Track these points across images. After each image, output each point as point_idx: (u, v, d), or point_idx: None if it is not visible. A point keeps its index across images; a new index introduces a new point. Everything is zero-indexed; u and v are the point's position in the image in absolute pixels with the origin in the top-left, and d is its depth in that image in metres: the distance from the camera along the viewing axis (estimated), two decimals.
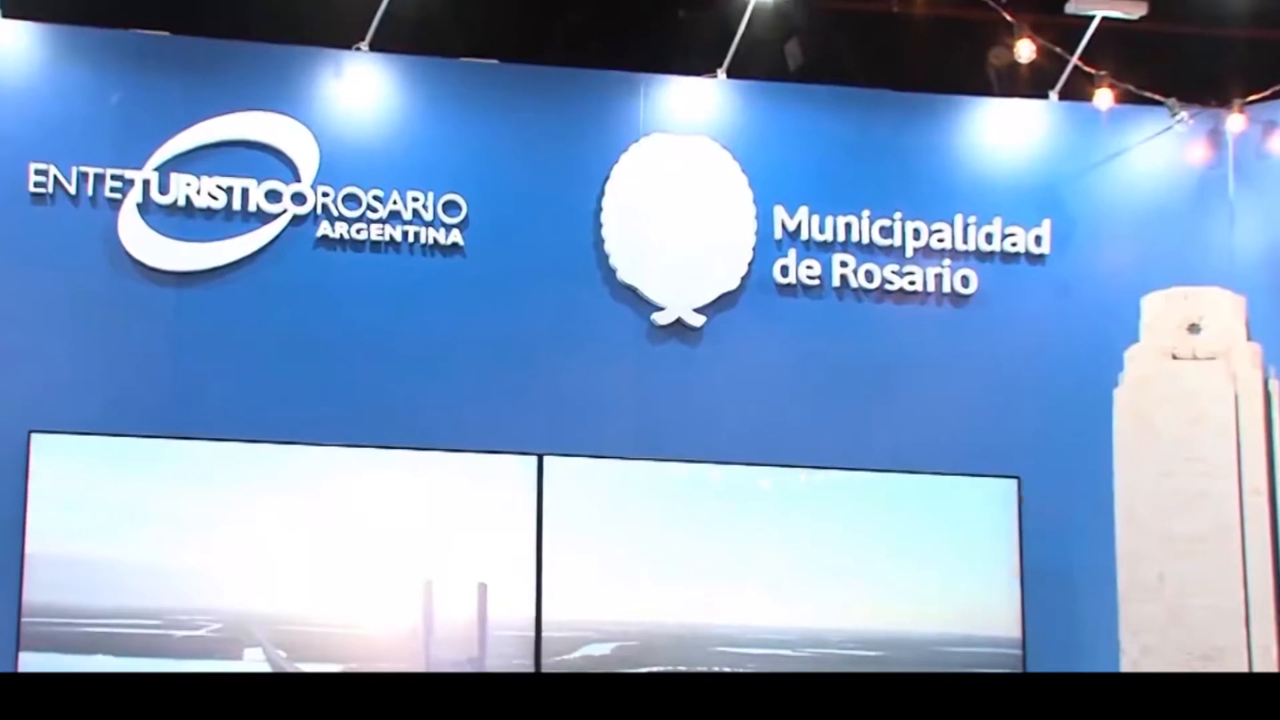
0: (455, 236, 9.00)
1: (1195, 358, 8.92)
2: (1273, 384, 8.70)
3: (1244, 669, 8.58)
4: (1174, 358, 8.95)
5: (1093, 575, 8.72)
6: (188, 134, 8.87)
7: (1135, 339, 8.79)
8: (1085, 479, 8.73)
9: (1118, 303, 8.91)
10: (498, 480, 8.56)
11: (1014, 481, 8.77)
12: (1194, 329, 8.99)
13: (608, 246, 9.11)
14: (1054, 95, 9.46)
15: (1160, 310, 9.01)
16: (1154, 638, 8.67)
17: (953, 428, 8.95)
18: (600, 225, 9.12)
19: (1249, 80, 9.39)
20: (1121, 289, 8.98)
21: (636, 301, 9.10)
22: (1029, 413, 9.03)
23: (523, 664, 8.43)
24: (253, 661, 8.29)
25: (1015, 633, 8.74)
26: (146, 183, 8.80)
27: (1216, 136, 9.45)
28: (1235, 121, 9.42)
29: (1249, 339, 8.89)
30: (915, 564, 8.77)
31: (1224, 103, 9.43)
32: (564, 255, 9.05)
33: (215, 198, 8.86)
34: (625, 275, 9.11)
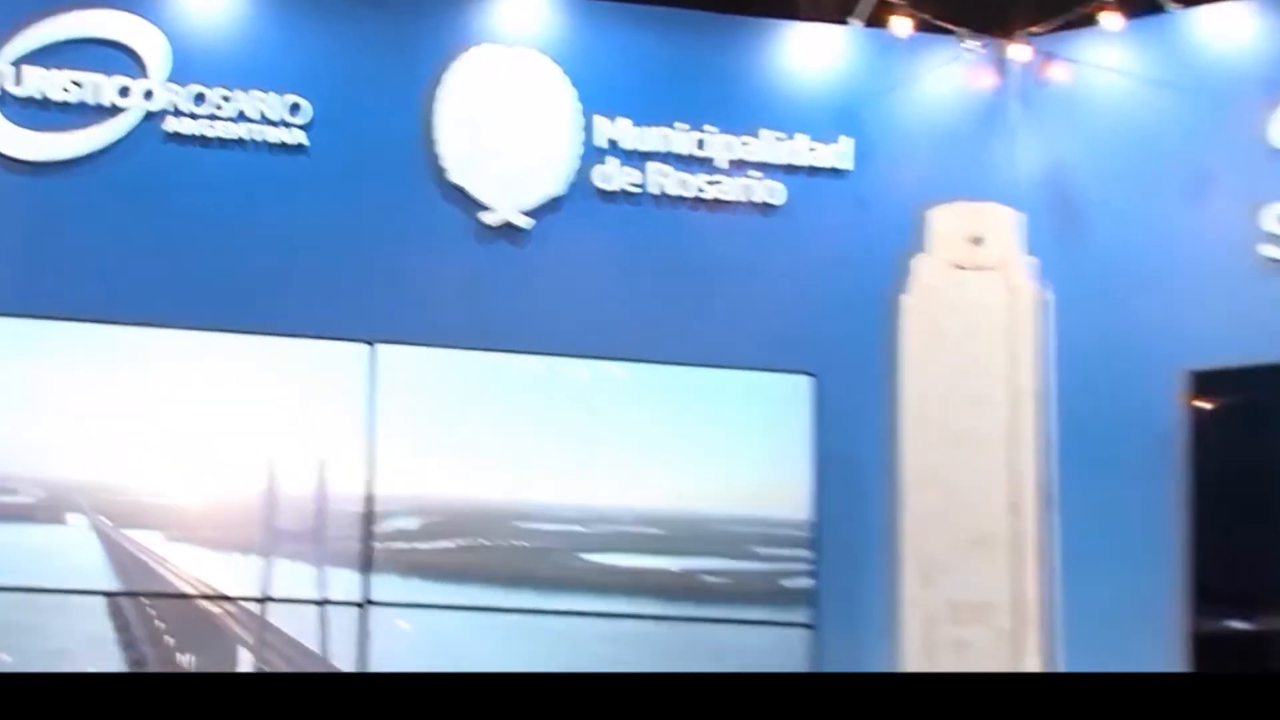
0: (299, 136, 9.53)
1: (977, 268, 9.79)
2: (1046, 295, 9.60)
3: (1009, 555, 9.52)
4: (958, 268, 9.82)
5: (879, 465, 9.57)
6: (40, 28, 9.28)
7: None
8: (877, 377, 9.56)
9: (911, 216, 9.72)
10: (334, 365, 9.15)
11: (811, 378, 9.55)
12: (976, 242, 9.86)
13: (439, 148, 9.70)
14: (856, 21, 10.17)
15: (946, 223, 9.86)
16: (933, 523, 9.58)
17: (758, 328, 9.69)
18: (433, 128, 9.70)
19: (1032, 14, 10.18)
20: (914, 204, 9.78)
21: (466, 202, 9.72)
22: (828, 315, 9.78)
23: (351, 536, 9.06)
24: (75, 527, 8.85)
25: (805, 515, 9.54)
26: (0, 74, 9.21)
27: (1002, 65, 10.24)
28: (1019, 52, 10.19)
29: (1026, 253, 9.77)
30: (718, 450, 9.54)
31: (1009, 34, 10.22)
32: (399, 156, 9.62)
33: (68, 91, 9.29)
34: (455, 176, 9.71)
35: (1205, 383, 9.52)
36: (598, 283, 9.69)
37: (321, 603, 9.03)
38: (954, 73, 10.20)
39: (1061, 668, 9.43)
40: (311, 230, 9.44)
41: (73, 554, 8.90)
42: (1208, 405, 9.51)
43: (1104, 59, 10.06)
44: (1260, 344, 9.39)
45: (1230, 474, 9.50)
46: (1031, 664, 9.48)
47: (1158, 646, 9.32)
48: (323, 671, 8.73)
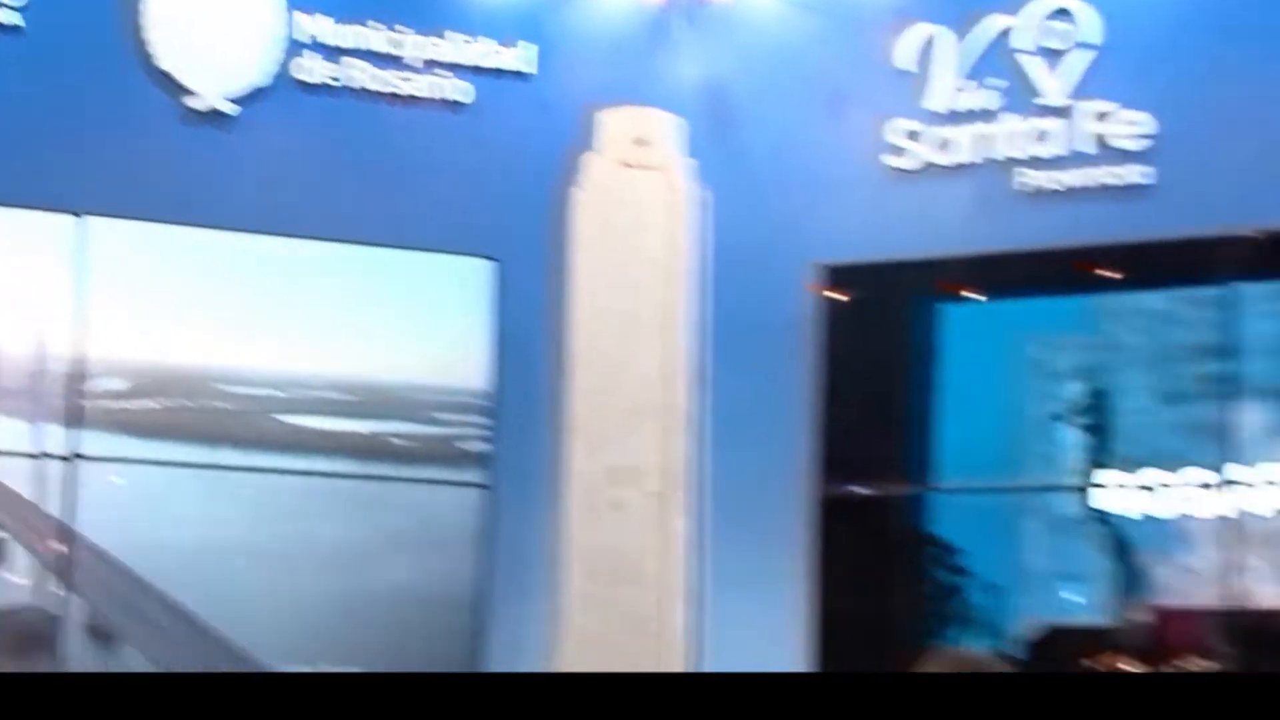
0: (14, 18, 10.01)
1: (642, 168, 10.86)
2: (704, 194, 10.73)
3: (662, 425, 10.66)
4: (625, 166, 10.86)
5: (551, 343, 10.58)
6: None
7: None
8: (550, 264, 10.56)
9: (585, 118, 10.71)
10: (46, 235, 9.77)
11: (492, 263, 10.50)
12: (641, 143, 10.91)
13: (147, 35, 10.29)
14: None
15: (615, 126, 10.88)
16: (596, 396, 10.64)
17: (447, 215, 10.52)
18: (141, 15, 10.29)
19: None
20: (588, 107, 10.76)
21: (173, 87, 10.34)
22: (510, 206, 10.64)
23: (63, 394, 9.73)
24: None
25: (483, 386, 10.52)
26: None
27: None
28: None
29: (686, 156, 10.86)
30: (406, 324, 10.45)
31: None
32: (110, 41, 10.18)
33: None
34: (163, 63, 10.33)
35: (837, 276, 10.75)
36: (299, 168, 10.43)
37: (36, 456, 9.68)
38: None
39: (707, 526, 10.63)
40: (26, 109, 9.96)
41: None
42: (838, 296, 10.76)
43: None
44: (883, 242, 10.65)
45: (855, 357, 10.78)
46: (678, 522, 10.64)
47: (789, 507, 10.60)
48: (317, 672, 9.13)
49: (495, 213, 10.60)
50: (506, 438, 10.49)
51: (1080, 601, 10.41)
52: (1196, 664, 9.81)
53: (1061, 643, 10.27)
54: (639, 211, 10.77)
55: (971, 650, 7.98)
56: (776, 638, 10.43)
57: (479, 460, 10.47)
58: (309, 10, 10.59)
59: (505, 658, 10.25)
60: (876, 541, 10.69)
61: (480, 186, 10.63)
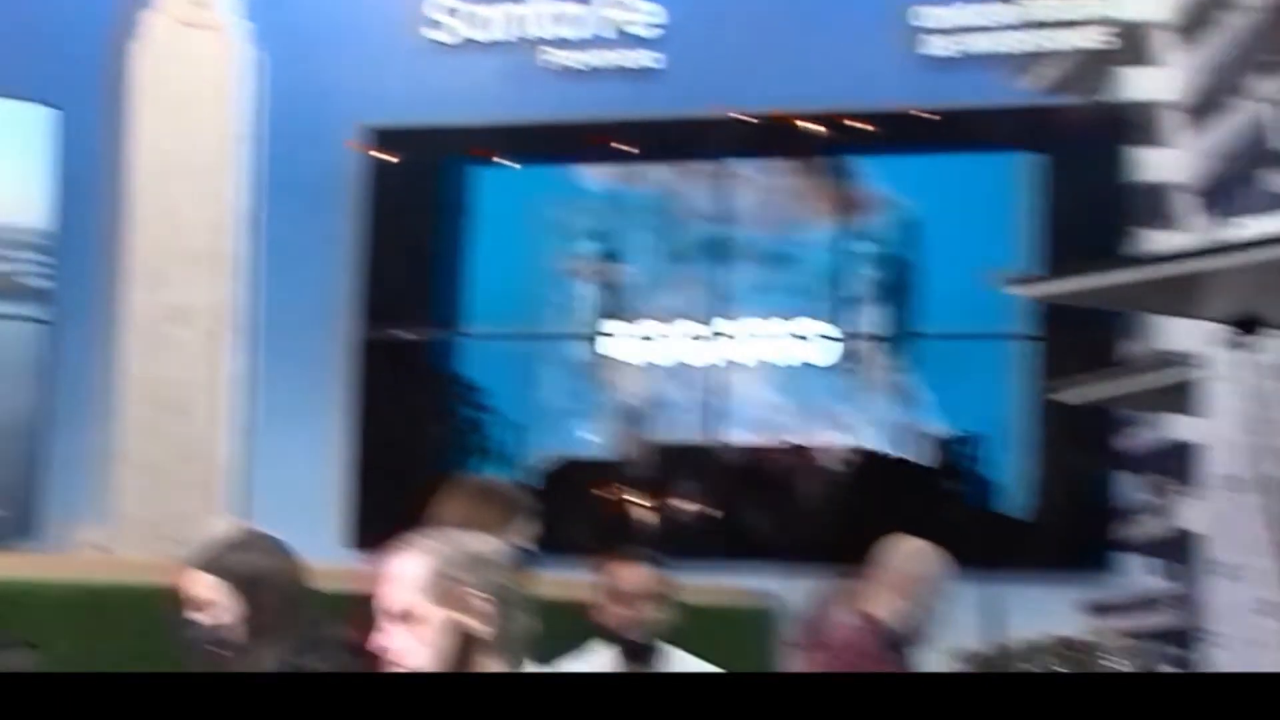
0: None
1: (200, 27, 11.56)
2: (260, 55, 11.50)
3: (215, 268, 11.47)
4: (185, 25, 11.55)
5: (112, 188, 11.26)
6: None
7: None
8: (113, 115, 11.21)
9: None
10: None
11: (55, 110, 11.08)
12: (199, 4, 11.59)
13: None
14: None
15: None
16: (156, 238, 11.39)
17: (9, 64, 11.00)
18: None
19: None
20: None
21: None
22: (73, 58, 11.20)
23: None
24: None
25: (44, 225, 11.13)
26: None
27: None
28: None
29: (244, 18, 11.59)
30: None
31: None
32: None
33: None
34: None
35: (380, 138, 11.63)
36: None
37: None
38: None
39: (259, 364, 11.50)
40: None
41: None
42: (382, 155, 11.66)
43: None
44: (425, 109, 11.55)
45: (396, 212, 11.70)
46: (227, 360, 11.49)
47: (333, 349, 11.52)
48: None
49: (59, 63, 11.13)
50: (69, 276, 11.12)
51: (590, 438, 11.56)
52: (684, 497, 11.16)
53: (573, 474, 11.45)
54: (195, 69, 11.50)
55: (492, 478, 9.01)
56: (319, 466, 11.39)
57: (39, 296, 11.09)
58: None
59: (63, 480, 10.99)
60: (411, 381, 11.67)
61: (41, 38, 11.11)
